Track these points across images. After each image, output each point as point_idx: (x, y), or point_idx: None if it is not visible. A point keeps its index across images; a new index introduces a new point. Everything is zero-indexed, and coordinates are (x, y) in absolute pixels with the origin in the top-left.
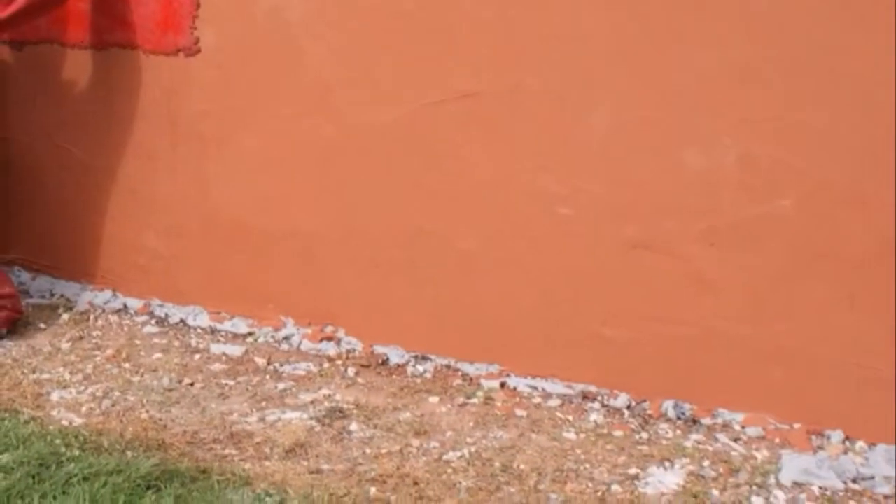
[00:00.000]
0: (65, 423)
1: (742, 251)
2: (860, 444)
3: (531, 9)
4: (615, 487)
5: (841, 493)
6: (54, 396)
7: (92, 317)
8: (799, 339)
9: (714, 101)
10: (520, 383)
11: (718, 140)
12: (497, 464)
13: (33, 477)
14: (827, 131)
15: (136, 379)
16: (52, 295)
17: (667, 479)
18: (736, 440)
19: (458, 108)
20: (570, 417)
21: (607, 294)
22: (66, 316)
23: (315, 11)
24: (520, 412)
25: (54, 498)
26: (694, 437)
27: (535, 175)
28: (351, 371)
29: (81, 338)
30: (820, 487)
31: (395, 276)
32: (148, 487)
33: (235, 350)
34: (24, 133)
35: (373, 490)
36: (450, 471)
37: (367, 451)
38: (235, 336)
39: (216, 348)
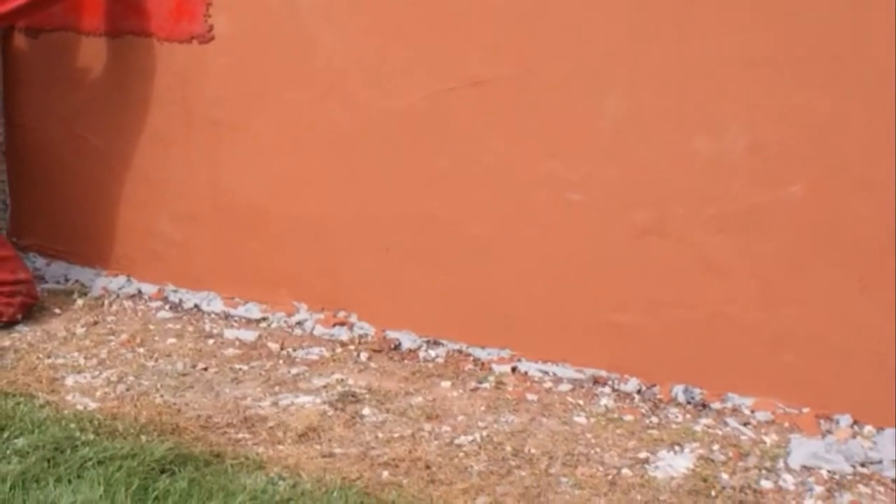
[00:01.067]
0: (79, 407)
1: (752, 237)
2: (868, 429)
3: None
4: (625, 471)
5: (849, 477)
6: (69, 381)
7: (106, 302)
8: (808, 324)
9: (724, 88)
10: (531, 368)
11: (728, 127)
12: (508, 448)
13: (48, 461)
14: (836, 117)
15: (150, 364)
16: (67, 280)
17: (676, 462)
18: (745, 424)
19: (470, 94)
20: (581, 402)
21: (617, 279)
22: (80, 301)
23: None
24: (531, 396)
25: (69, 482)
26: (703, 421)
27: (546, 161)
28: (363, 356)
29: (96, 323)
30: (828, 471)
31: (408, 261)
32: (162, 471)
33: (249, 335)
34: (39, 120)
35: (385, 474)
36: (461, 455)
37: (380, 435)
38: (249, 321)
39: (230, 333)
